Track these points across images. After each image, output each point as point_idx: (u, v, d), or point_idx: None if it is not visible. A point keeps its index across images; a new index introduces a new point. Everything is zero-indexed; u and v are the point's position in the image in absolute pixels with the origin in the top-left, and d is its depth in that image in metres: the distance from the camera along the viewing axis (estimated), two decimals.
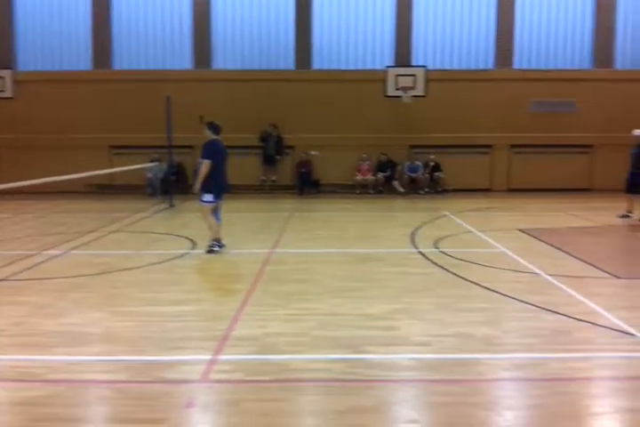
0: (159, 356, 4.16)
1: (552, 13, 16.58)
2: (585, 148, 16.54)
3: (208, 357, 4.08)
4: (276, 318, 5.02)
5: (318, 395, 3.55)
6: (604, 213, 11.58)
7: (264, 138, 16.06)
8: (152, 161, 15.31)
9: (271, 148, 16.09)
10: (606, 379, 3.84)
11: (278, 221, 10.82)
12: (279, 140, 16.11)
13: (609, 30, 16.50)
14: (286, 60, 16.74)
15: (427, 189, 15.96)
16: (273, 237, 8.98)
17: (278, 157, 16.27)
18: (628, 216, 10.86)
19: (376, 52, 16.76)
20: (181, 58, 16.77)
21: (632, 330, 4.69)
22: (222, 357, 4.10)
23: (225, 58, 16.78)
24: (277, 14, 16.62)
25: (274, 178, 16.39)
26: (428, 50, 16.63)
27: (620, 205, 11.28)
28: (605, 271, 6.74)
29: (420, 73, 15.84)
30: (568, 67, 16.54)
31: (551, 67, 16.49)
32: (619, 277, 6.51)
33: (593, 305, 5.37)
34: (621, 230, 10.16)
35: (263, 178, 16.44)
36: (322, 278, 6.44)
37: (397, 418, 3.35)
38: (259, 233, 9.63)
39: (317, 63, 16.72)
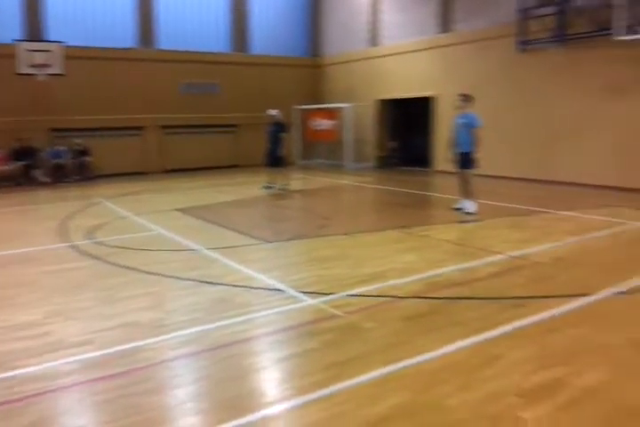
0: None
1: None
2: (230, 127, 17.68)
3: None
4: None
5: None
6: (251, 187, 12.66)
7: None
8: None
9: None
10: (265, 335, 4.16)
11: None
12: None
13: (243, 17, 17.76)
14: None
15: (75, 177, 14.81)
16: None
17: None
18: (271, 187, 12.07)
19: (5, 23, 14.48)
20: None
21: (282, 286, 5.21)
22: None
23: None
24: None
25: None
26: (67, 24, 15.08)
27: (263, 178, 12.49)
28: (256, 238, 7.35)
29: (56, 49, 14.31)
30: (211, 49, 17.22)
31: (195, 49, 16.88)
32: (269, 242, 7.18)
33: (248, 270, 5.78)
34: (266, 200, 11.24)
35: None
36: None
37: None
38: None
39: None
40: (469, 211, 8.81)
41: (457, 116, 9.04)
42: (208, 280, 5.46)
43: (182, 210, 9.69)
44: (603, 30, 10.49)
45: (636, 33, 9.85)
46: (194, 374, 3.58)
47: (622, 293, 4.89)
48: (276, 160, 12.07)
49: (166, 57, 16.33)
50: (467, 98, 8.94)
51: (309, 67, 19.09)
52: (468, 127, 8.71)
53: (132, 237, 7.65)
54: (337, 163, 17.35)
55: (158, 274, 5.76)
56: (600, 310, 4.52)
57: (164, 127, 16.63)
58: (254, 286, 5.30)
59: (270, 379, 3.58)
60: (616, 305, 4.62)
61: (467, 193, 8.98)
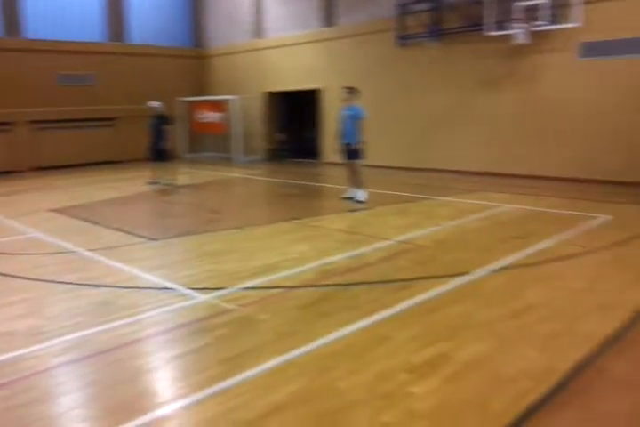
0: None
1: None
2: (109, 120, 16.77)
3: None
4: None
5: None
6: (135, 183, 12.14)
7: None
8: None
9: None
10: (155, 335, 4.02)
11: None
12: None
13: (119, 4, 16.82)
14: None
15: None
16: None
17: None
18: (156, 183, 11.65)
19: None
20: None
21: (172, 284, 5.06)
22: None
23: None
24: None
25: None
26: None
27: (147, 173, 12.02)
28: (141, 236, 7.07)
29: None
30: (85, 39, 16.18)
31: (68, 38, 15.76)
32: (155, 240, 6.93)
33: (134, 270, 5.54)
34: (151, 196, 10.83)
35: None
36: None
37: None
38: None
39: None
40: (360, 199, 9.05)
41: (343, 108, 9.21)
42: (90, 283, 5.17)
43: (59, 210, 9.07)
44: (474, 26, 11.17)
45: (504, 29, 10.58)
46: (80, 381, 3.38)
47: (497, 270, 5.26)
48: (159, 154, 11.66)
49: (36, 46, 15.10)
50: (352, 91, 9.15)
51: (193, 58, 18.57)
52: (354, 119, 8.90)
53: (4, 241, 7.06)
54: (225, 156, 17.09)
55: (35, 279, 5.36)
56: (479, 287, 4.84)
57: (37, 122, 15.43)
58: (141, 285, 5.10)
59: (163, 378, 3.47)
60: (493, 281, 4.97)
61: (356, 183, 9.20)
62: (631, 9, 9.52)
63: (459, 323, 4.03)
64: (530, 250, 5.86)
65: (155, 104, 11.77)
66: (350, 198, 9.24)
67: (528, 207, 8.21)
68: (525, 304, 4.36)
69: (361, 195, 9.15)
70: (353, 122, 8.93)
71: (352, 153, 9.10)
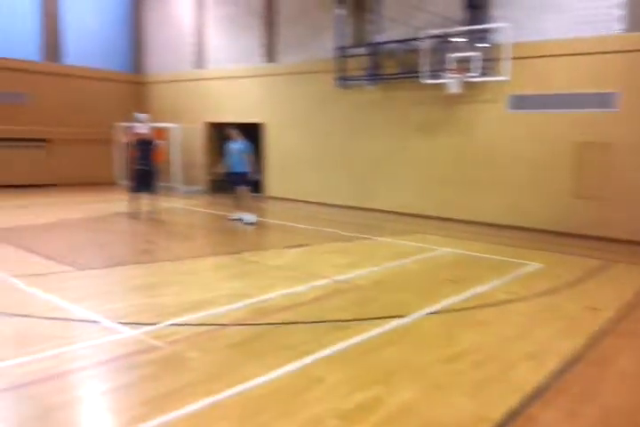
0: None
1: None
2: (41, 142, 16.15)
3: None
4: None
5: None
6: (67, 208, 11.64)
7: None
8: None
9: None
10: (75, 371, 3.77)
11: None
12: None
13: (55, 24, 16.45)
14: None
15: None
16: None
17: None
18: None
19: None
20: None
21: (97, 317, 4.79)
22: None
23: None
24: None
25: None
26: None
27: (81, 198, 11.56)
28: (69, 264, 6.73)
29: None
30: (17, 57, 15.68)
31: (2, 55, 15.24)
32: (81, 269, 6.60)
33: (58, 300, 5.23)
34: (84, 223, 10.37)
35: None
36: None
37: None
38: None
39: None
40: (251, 221, 10.45)
41: (231, 142, 10.85)
42: (11, 311, 4.83)
43: None
44: (411, 73, 11.61)
45: (438, 78, 11.04)
46: None
47: (433, 313, 5.30)
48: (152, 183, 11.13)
49: None
50: (239, 131, 10.97)
51: (133, 83, 18.26)
52: (242, 152, 10.62)
53: None
54: (165, 185, 16.74)
55: None
56: (415, 330, 4.84)
57: None
58: (64, 317, 4.80)
59: (79, 418, 3.22)
60: (428, 325, 4.99)
61: (245, 207, 10.67)
62: (555, 67, 10.16)
63: (392, 366, 3.99)
64: (464, 295, 5.95)
65: (141, 116, 11.45)
66: (241, 220, 10.58)
67: (463, 251, 8.40)
68: (458, 349, 4.38)
69: (249, 217, 10.53)
70: (240, 154, 10.58)
71: (240, 181, 10.67)
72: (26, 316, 4.75)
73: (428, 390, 3.63)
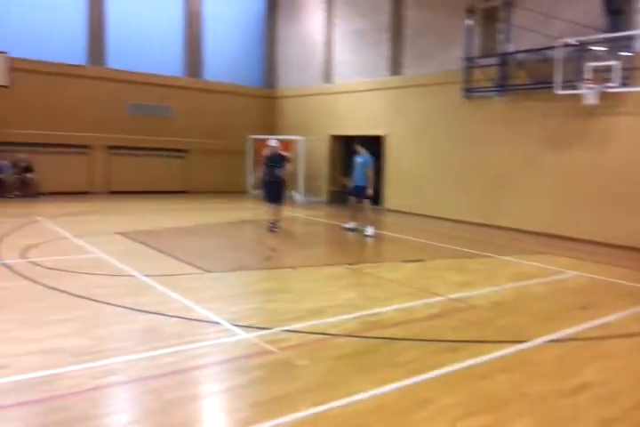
0: None
1: (145, 19, 16.84)
2: (181, 152, 17.51)
3: None
4: None
5: None
6: (200, 214, 12.47)
7: None
8: None
9: None
10: (193, 369, 4.01)
11: None
12: None
13: (197, 42, 17.84)
14: None
15: (16, 193, 14.28)
16: None
17: None
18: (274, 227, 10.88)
19: None
20: None
21: (218, 319, 5.07)
22: None
23: None
24: None
25: None
26: (10, 35, 14.63)
27: (214, 205, 12.32)
28: (197, 267, 7.18)
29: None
30: (163, 73, 17.13)
31: (146, 71, 16.75)
32: (210, 272, 7.02)
33: (184, 300, 5.61)
34: (214, 229, 11.04)
35: None
36: None
37: None
38: None
39: None
40: (369, 234, 10.49)
41: (356, 156, 11.00)
42: (141, 308, 5.26)
43: (124, 233, 9.42)
44: (542, 83, 11.05)
45: (573, 88, 10.40)
46: (114, 407, 3.39)
47: (555, 341, 4.97)
48: (278, 195, 10.91)
49: (116, 76, 16.14)
50: (362, 146, 11.09)
51: (264, 97, 19.23)
52: (364, 167, 10.76)
53: (69, 259, 7.36)
54: (289, 195, 17.33)
55: (90, 299, 5.52)
56: (532, 357, 4.57)
57: (112, 147, 16.29)
58: (188, 316, 5.13)
59: (192, 415, 3.42)
60: (548, 354, 4.69)
61: (366, 220, 10.75)
62: None
63: (506, 395, 3.80)
64: (592, 323, 5.52)
65: (273, 143, 10.99)
66: (356, 230, 10.90)
67: (595, 276, 7.80)
68: (581, 382, 4.06)
69: (370, 230, 10.57)
70: (363, 169, 10.74)
71: (362, 194, 10.77)
72: (156, 313, 5.14)
73: (544, 424, 3.41)
